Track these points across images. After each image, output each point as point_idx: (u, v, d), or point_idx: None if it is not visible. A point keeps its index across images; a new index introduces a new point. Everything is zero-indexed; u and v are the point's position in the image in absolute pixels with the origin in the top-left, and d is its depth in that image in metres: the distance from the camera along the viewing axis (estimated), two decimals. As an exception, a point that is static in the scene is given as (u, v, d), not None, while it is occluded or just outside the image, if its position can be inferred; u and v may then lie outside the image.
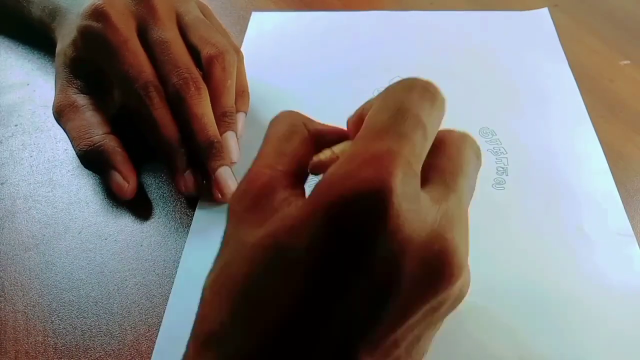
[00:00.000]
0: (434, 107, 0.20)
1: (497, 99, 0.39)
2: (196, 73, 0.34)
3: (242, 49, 0.44)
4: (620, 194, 0.33)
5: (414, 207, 0.18)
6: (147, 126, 0.33)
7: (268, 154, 0.21)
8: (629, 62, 0.42)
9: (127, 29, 0.33)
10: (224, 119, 0.34)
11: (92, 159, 0.34)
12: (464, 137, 0.22)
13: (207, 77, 0.34)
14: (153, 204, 0.34)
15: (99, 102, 0.35)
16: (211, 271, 0.20)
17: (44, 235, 0.33)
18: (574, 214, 0.32)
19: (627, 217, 0.32)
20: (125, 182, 0.33)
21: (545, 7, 0.47)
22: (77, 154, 0.34)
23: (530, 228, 0.31)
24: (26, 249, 0.32)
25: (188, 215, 0.33)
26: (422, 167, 0.19)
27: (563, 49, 0.43)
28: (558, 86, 0.40)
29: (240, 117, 0.36)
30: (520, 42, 0.44)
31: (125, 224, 0.33)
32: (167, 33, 0.34)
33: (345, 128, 0.23)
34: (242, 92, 0.37)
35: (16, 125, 0.38)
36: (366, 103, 0.22)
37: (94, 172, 0.35)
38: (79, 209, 0.34)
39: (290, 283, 0.18)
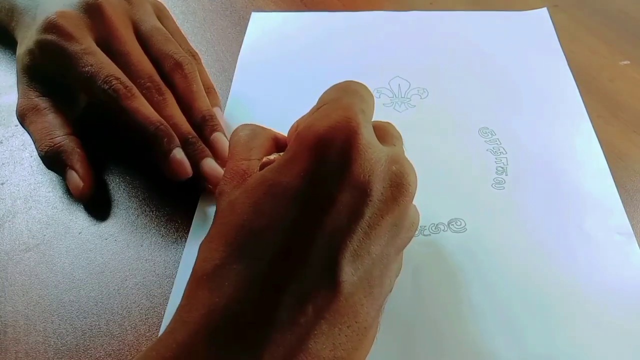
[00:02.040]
0: (368, 91, 0.26)
1: (497, 99, 0.39)
2: (158, 80, 0.35)
3: (242, 49, 0.44)
4: (620, 194, 0.33)
5: (373, 140, 0.23)
6: (121, 119, 0.33)
7: (239, 151, 0.26)
8: (628, 62, 0.42)
9: (83, 37, 0.34)
10: (205, 123, 0.35)
11: (52, 160, 0.34)
12: (389, 123, 0.28)
13: (173, 88, 0.35)
14: (153, 204, 0.34)
15: (60, 104, 0.36)
16: (205, 236, 0.23)
17: (45, 235, 0.33)
18: (574, 214, 0.32)
19: (627, 217, 0.32)
20: (81, 182, 0.33)
21: (544, 7, 0.47)
22: (39, 155, 0.34)
23: (530, 228, 0.31)
24: (26, 249, 0.32)
25: (188, 215, 0.33)
26: None
27: (562, 49, 0.43)
28: (557, 86, 0.40)
29: (217, 112, 0.37)
30: (520, 42, 0.44)
31: (125, 224, 0.33)
32: (126, 45, 0.35)
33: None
34: (209, 90, 0.38)
35: (16, 125, 0.38)
36: (301, 118, 0.27)
37: (56, 173, 0.35)
38: (79, 209, 0.34)
39: (285, 207, 0.21)
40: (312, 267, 0.20)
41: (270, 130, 0.28)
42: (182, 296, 0.21)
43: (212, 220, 0.33)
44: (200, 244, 0.23)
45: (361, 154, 0.22)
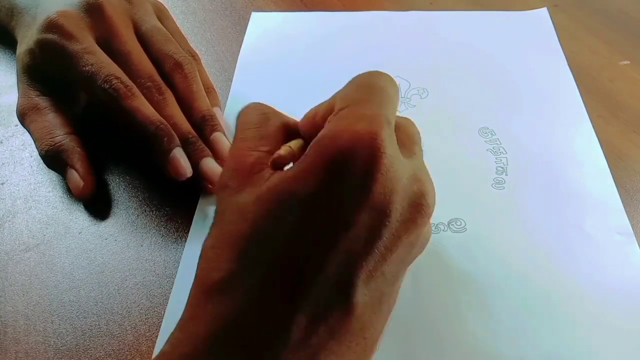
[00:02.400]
0: (394, 86, 0.25)
1: (497, 99, 0.39)
2: (158, 80, 0.35)
3: (242, 49, 0.44)
4: (620, 194, 0.33)
5: (397, 155, 0.22)
6: (121, 119, 0.33)
7: (247, 139, 0.24)
8: (628, 62, 0.42)
9: (83, 37, 0.34)
10: (205, 123, 0.35)
11: (52, 159, 0.34)
12: (409, 119, 0.27)
13: (173, 88, 0.35)
14: (153, 204, 0.34)
15: (61, 103, 0.36)
16: (208, 237, 0.22)
17: (44, 235, 0.33)
18: (574, 214, 0.32)
19: (626, 217, 0.32)
20: (82, 181, 0.33)
21: (544, 7, 0.47)
22: (40, 154, 0.34)
23: (530, 228, 0.31)
24: (26, 249, 0.32)
25: (188, 215, 0.33)
26: None
27: (562, 48, 0.43)
28: (557, 86, 0.40)
29: (217, 112, 0.37)
30: (520, 42, 0.44)
31: (125, 224, 0.33)
32: (126, 45, 0.35)
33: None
34: (209, 90, 0.38)
35: (16, 125, 0.38)
36: (319, 105, 0.25)
37: (57, 172, 0.35)
38: (79, 209, 0.34)
39: (300, 222, 0.20)
40: (326, 287, 0.20)
41: (281, 115, 0.26)
42: (187, 304, 0.21)
43: (212, 220, 0.33)
44: (203, 246, 0.22)
45: (383, 174, 0.21)
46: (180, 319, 0.21)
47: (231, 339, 0.19)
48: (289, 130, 0.26)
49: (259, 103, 0.26)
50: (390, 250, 0.21)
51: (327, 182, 0.20)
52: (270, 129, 0.25)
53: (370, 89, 0.23)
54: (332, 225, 0.20)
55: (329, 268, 0.20)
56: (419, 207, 0.22)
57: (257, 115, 0.25)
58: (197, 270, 0.21)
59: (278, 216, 0.21)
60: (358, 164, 0.20)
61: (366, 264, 0.20)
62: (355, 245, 0.20)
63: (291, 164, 0.23)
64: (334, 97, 0.24)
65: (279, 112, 0.26)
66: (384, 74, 0.24)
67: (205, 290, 0.20)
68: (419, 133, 0.26)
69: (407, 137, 0.25)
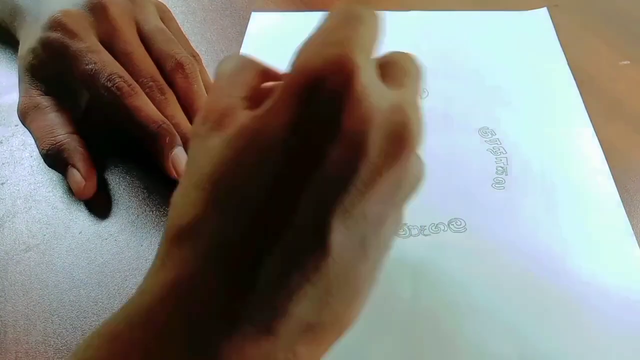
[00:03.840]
0: (373, 15, 0.22)
1: (497, 99, 0.39)
2: (160, 79, 0.35)
3: (242, 49, 0.44)
4: (620, 194, 0.33)
5: (374, 82, 0.20)
6: (123, 117, 0.33)
7: (222, 86, 0.23)
8: (629, 62, 0.42)
9: (86, 36, 0.34)
10: None
11: (53, 158, 0.34)
12: (408, 54, 0.25)
13: (174, 88, 0.35)
14: (153, 204, 0.34)
15: (63, 102, 0.36)
16: (177, 186, 0.21)
17: (44, 235, 0.33)
18: (574, 214, 0.32)
19: (627, 217, 0.32)
20: (83, 180, 0.33)
21: (544, 7, 0.47)
22: (40, 153, 0.34)
23: (530, 228, 0.31)
24: (26, 249, 0.32)
25: (188, 215, 0.33)
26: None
27: (562, 49, 0.43)
28: (558, 86, 0.40)
29: None
30: (520, 42, 0.44)
31: (125, 224, 0.33)
32: (129, 45, 0.35)
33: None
34: (209, 90, 0.38)
35: (16, 125, 0.38)
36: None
37: (58, 172, 0.35)
38: (80, 209, 0.34)
39: (269, 161, 0.19)
40: (299, 228, 0.19)
41: (259, 63, 0.24)
42: (156, 256, 0.20)
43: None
44: (173, 196, 0.20)
45: (356, 102, 0.19)
46: (149, 269, 0.20)
47: (199, 284, 0.18)
48: (269, 78, 0.24)
49: (237, 54, 0.25)
50: (370, 187, 0.19)
51: (295, 116, 0.19)
52: (246, 75, 0.23)
53: (342, 16, 0.21)
54: (303, 162, 0.19)
55: (302, 207, 0.19)
56: (399, 139, 0.20)
57: (231, 66, 0.24)
58: (167, 221, 0.20)
59: (246, 155, 0.19)
60: (327, 92, 0.19)
61: (342, 203, 0.19)
62: (329, 183, 0.19)
63: None
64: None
65: (259, 62, 0.24)
66: (362, 5, 0.22)
67: (173, 237, 0.19)
68: (416, 67, 0.24)
69: (398, 68, 0.23)
